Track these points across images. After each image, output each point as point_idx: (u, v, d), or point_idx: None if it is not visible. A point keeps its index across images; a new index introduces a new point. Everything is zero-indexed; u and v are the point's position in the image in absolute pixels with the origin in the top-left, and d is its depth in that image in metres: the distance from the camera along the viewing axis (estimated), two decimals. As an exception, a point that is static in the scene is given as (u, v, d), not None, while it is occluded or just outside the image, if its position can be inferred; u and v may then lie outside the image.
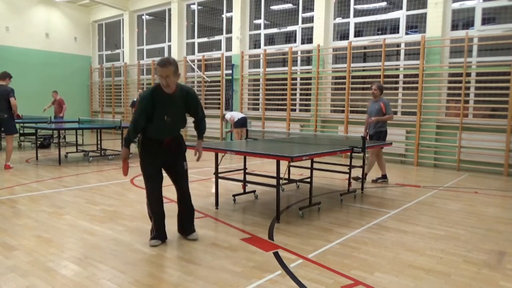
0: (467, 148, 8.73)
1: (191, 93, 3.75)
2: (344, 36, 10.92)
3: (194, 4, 14.57)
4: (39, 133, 9.97)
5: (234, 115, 11.49)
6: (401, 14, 9.89)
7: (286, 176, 5.60)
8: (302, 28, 11.70)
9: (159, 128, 3.63)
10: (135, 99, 12.90)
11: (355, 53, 10.72)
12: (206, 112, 13.59)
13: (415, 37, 9.63)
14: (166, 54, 15.45)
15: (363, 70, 10.46)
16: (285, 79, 11.60)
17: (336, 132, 10.53)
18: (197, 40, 14.53)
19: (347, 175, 5.99)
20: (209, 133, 13.69)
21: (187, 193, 3.97)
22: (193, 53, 14.68)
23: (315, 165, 5.48)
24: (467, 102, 8.88)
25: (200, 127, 4.00)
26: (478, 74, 8.89)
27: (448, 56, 9.20)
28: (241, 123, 11.33)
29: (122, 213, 4.79)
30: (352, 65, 10.29)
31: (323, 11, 10.84)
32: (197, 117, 3.92)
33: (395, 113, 9.97)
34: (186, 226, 3.95)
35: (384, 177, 7.09)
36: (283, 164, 4.50)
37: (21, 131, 11.61)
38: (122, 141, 3.62)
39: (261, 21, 12.68)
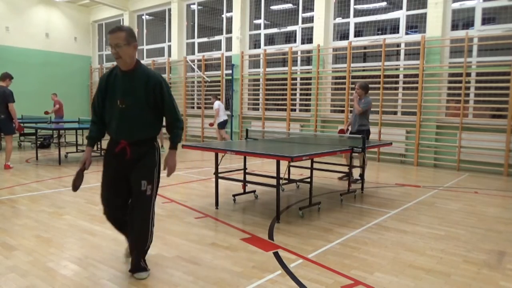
0: (467, 148, 8.73)
1: (154, 77, 2.89)
2: (344, 36, 10.92)
3: (194, 4, 14.57)
4: (39, 133, 9.97)
5: (221, 112, 11.57)
6: (401, 14, 9.89)
7: (286, 176, 5.60)
8: (302, 28, 11.70)
9: (113, 117, 2.93)
10: None
11: (355, 53, 10.72)
12: (206, 112, 13.62)
13: (415, 37, 9.63)
14: (166, 54, 15.47)
15: (363, 70, 10.46)
16: (285, 79, 11.61)
17: (336, 132, 10.52)
18: (197, 40, 14.53)
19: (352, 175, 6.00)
20: (210, 133, 13.70)
21: (139, 225, 2.95)
22: (193, 53, 14.69)
23: (315, 165, 5.48)
24: (467, 102, 8.88)
25: (170, 131, 3.02)
26: (478, 74, 8.90)
27: (448, 56, 9.20)
28: (224, 124, 11.66)
29: (122, 213, 4.78)
30: (352, 65, 10.29)
31: (323, 11, 10.84)
32: (165, 115, 3.00)
33: (395, 113, 9.99)
34: (133, 260, 3.03)
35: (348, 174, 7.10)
36: (283, 164, 4.50)
37: (21, 131, 11.60)
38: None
39: (261, 21, 12.69)
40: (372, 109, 10.17)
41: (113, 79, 2.94)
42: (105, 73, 3.02)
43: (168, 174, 3.05)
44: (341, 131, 7.58)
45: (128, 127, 2.91)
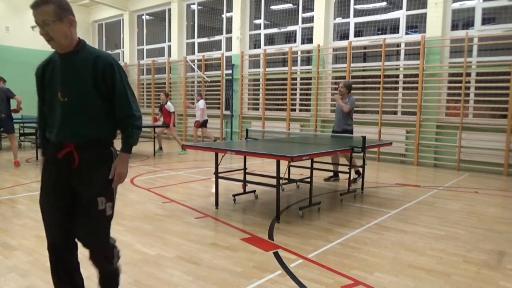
0: (467, 148, 8.73)
1: (104, 57, 2.20)
2: (344, 36, 10.92)
3: (194, 4, 14.57)
4: (39, 133, 9.97)
5: (204, 114, 11.50)
6: (401, 14, 9.89)
7: (286, 176, 5.60)
8: (302, 28, 11.70)
9: (53, 116, 2.25)
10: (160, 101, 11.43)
11: (355, 53, 10.71)
12: (207, 112, 13.61)
13: (415, 37, 9.63)
14: (166, 54, 15.47)
15: (363, 70, 10.46)
16: (285, 79, 11.61)
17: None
18: (197, 40, 14.53)
19: (347, 175, 6.00)
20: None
21: (99, 253, 2.38)
22: (193, 53, 14.68)
23: (315, 165, 5.49)
24: (467, 102, 8.88)
25: (123, 130, 2.34)
26: (478, 74, 8.89)
27: (448, 56, 9.20)
28: (205, 124, 11.59)
29: (122, 213, 4.79)
30: (352, 65, 10.29)
31: (323, 11, 10.84)
32: (116, 107, 2.26)
33: (395, 113, 9.99)
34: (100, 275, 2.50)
35: (336, 174, 7.10)
36: (283, 164, 4.50)
37: (21, 131, 11.61)
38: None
39: (261, 21, 12.68)
40: (372, 109, 10.24)
41: (51, 68, 2.27)
42: (42, 62, 2.37)
43: (116, 183, 2.32)
44: None
45: (73, 126, 2.20)
